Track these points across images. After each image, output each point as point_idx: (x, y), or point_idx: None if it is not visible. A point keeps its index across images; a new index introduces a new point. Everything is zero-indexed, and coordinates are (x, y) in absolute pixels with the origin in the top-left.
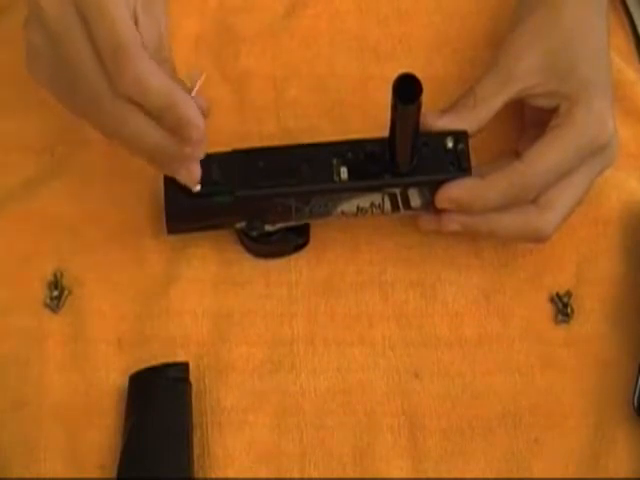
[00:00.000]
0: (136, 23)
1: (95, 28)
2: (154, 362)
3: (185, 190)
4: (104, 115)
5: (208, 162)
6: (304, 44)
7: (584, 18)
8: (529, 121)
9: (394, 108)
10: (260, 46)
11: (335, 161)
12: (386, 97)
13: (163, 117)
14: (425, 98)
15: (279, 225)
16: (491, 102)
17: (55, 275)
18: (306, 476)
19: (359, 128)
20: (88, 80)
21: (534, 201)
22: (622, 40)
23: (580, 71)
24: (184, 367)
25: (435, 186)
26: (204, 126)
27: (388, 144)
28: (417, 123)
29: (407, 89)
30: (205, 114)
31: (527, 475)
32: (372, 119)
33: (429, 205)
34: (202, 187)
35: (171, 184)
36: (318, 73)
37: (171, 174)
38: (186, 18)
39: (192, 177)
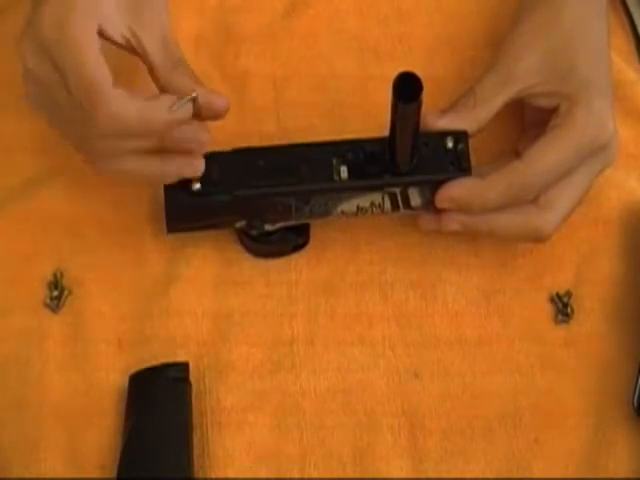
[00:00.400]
0: (135, 37)
1: (68, 75)
2: (154, 362)
3: (185, 189)
4: (95, 154)
5: (208, 162)
6: (304, 44)
7: (584, 18)
8: (529, 121)
9: (394, 107)
10: (260, 46)
11: (335, 160)
12: (386, 97)
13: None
14: (425, 98)
15: (279, 225)
16: (491, 102)
17: (55, 275)
18: (306, 476)
19: (359, 128)
20: (74, 125)
21: (534, 201)
22: (622, 40)
23: (580, 71)
24: (184, 367)
25: (435, 186)
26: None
27: (388, 143)
28: (417, 122)
29: (407, 88)
30: (224, 112)
31: (527, 475)
32: (372, 119)
33: (429, 205)
34: (202, 186)
35: (171, 184)
36: (318, 73)
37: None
38: (186, 18)
39: (195, 175)
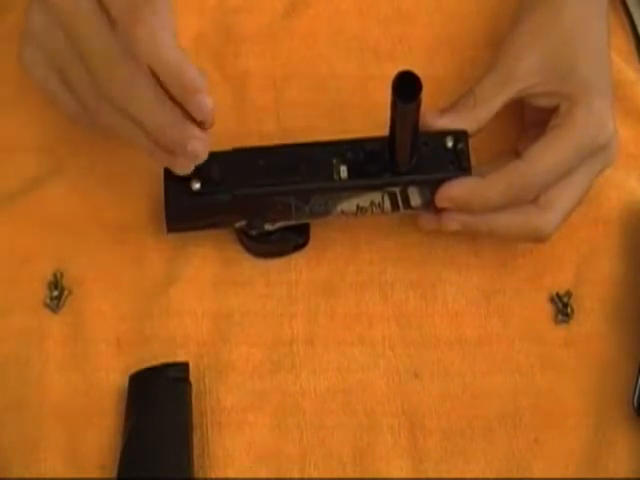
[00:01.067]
0: None
1: (82, 45)
2: (154, 362)
3: (185, 188)
4: (113, 86)
5: (208, 161)
6: (304, 44)
7: (584, 18)
8: (529, 121)
9: (394, 106)
10: (260, 46)
11: (335, 160)
12: (386, 97)
13: (173, 83)
14: (425, 98)
15: (279, 224)
16: (491, 102)
17: (55, 275)
18: (306, 476)
19: (359, 128)
20: (98, 54)
21: (534, 201)
22: (622, 40)
23: (580, 71)
24: (184, 367)
25: (435, 185)
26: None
27: (388, 143)
28: (417, 121)
29: (407, 87)
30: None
31: (527, 475)
32: (372, 119)
33: (429, 204)
34: (202, 186)
35: (171, 183)
36: (318, 73)
37: (170, 163)
38: (186, 18)
39: (196, 158)
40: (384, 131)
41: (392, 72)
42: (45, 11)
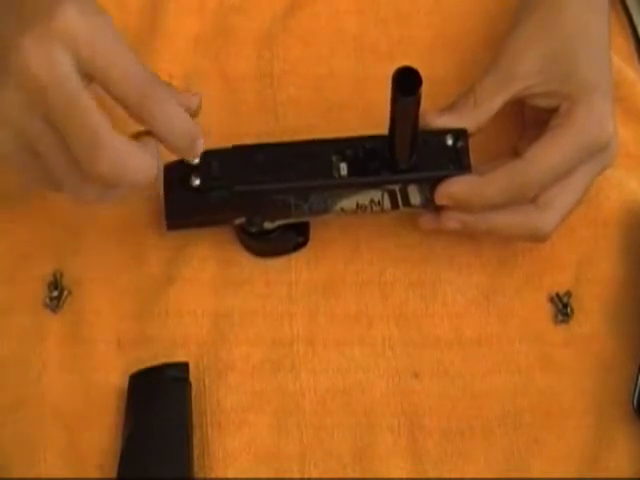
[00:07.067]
0: None
1: (64, 127)
2: (154, 362)
3: (185, 185)
4: (100, 167)
5: (208, 158)
6: (303, 44)
7: (585, 18)
8: (529, 121)
9: (394, 101)
10: (259, 46)
11: (335, 157)
12: (384, 97)
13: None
14: (424, 98)
15: (278, 222)
16: (491, 102)
17: (55, 275)
18: (306, 476)
19: (357, 128)
20: (82, 137)
21: (533, 200)
22: (622, 40)
23: (580, 71)
24: (184, 367)
25: (435, 183)
26: None
27: (388, 140)
28: (416, 118)
29: (407, 83)
30: (196, 112)
31: (527, 475)
32: (370, 119)
33: (429, 203)
34: (201, 182)
35: (171, 180)
36: (317, 73)
37: None
38: (185, 18)
39: None
40: (382, 131)
41: (391, 72)
42: (23, 90)
